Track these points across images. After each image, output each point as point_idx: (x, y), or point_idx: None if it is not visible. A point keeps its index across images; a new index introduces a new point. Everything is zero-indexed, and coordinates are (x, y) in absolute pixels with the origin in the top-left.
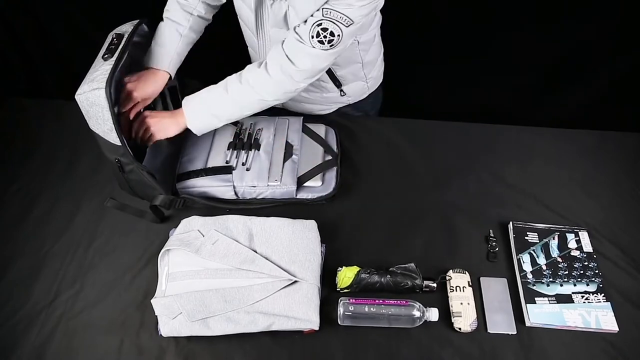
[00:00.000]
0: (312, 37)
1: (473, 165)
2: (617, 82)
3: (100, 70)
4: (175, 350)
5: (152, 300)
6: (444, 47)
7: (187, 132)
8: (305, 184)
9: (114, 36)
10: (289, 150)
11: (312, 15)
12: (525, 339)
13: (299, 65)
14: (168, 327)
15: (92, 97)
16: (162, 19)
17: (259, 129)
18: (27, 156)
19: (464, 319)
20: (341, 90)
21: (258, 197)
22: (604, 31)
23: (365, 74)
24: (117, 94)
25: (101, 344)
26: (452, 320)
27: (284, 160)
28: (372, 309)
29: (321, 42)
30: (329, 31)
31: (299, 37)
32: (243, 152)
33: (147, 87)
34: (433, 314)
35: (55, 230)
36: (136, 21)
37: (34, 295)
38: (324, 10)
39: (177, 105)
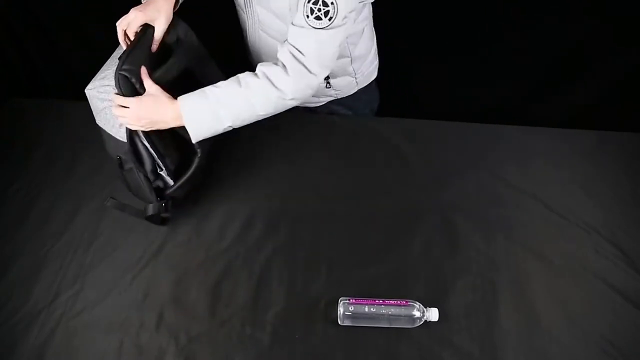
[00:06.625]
0: (308, 16)
1: (473, 165)
2: (617, 82)
3: (113, 69)
4: (175, 350)
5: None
6: (442, 48)
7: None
8: None
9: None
10: None
11: None
12: (524, 339)
13: (306, 52)
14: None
15: (104, 93)
16: None
17: None
18: (27, 156)
19: None
20: (327, 82)
21: None
22: (604, 31)
23: (354, 68)
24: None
25: (101, 344)
26: None
27: None
28: (372, 309)
29: (318, 17)
30: (320, 2)
31: (298, 24)
32: None
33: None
34: (433, 314)
35: (55, 230)
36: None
37: (34, 295)
38: None
39: None
